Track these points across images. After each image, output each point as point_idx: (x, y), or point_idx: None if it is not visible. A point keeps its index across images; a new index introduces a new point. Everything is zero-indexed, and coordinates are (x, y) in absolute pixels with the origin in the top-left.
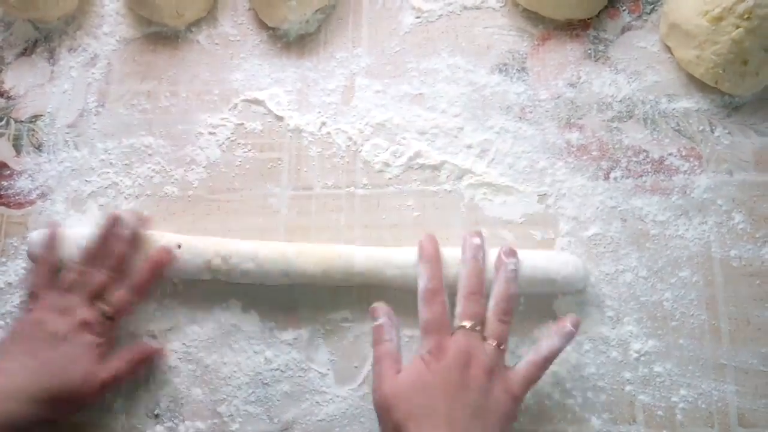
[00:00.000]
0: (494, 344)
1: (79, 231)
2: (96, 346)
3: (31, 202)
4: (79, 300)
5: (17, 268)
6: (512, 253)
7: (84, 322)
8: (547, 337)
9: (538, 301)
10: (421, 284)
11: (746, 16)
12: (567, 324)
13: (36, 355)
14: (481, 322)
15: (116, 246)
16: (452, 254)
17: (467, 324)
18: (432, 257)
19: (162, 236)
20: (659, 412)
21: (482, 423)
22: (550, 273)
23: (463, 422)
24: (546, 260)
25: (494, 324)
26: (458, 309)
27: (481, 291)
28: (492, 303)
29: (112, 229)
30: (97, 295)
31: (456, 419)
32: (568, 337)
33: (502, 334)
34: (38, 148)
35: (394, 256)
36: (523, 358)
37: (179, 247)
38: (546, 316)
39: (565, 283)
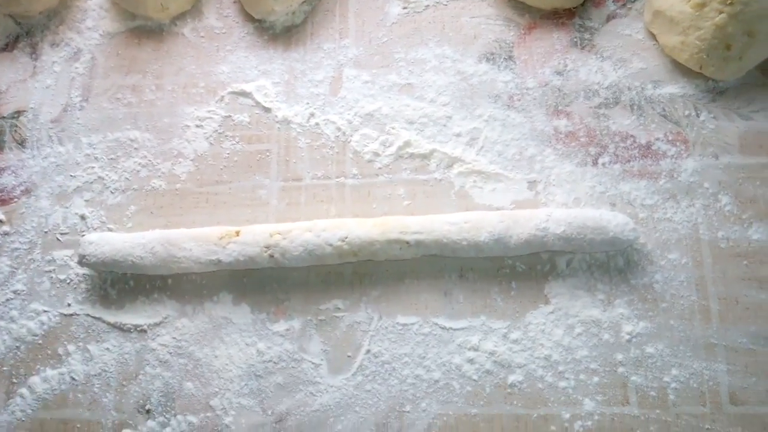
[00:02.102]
0: None
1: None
2: None
3: (16, 199)
4: None
5: (2, 265)
6: None
7: None
8: None
9: (530, 285)
10: None
11: (729, 1)
12: None
13: None
14: None
15: None
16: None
17: None
18: None
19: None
20: (652, 393)
21: None
22: (602, 221)
23: None
24: (597, 213)
25: None
26: None
27: None
28: None
29: None
30: None
31: None
32: None
33: None
34: (21, 143)
35: (443, 217)
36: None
37: (237, 234)
38: (538, 301)
39: (617, 231)
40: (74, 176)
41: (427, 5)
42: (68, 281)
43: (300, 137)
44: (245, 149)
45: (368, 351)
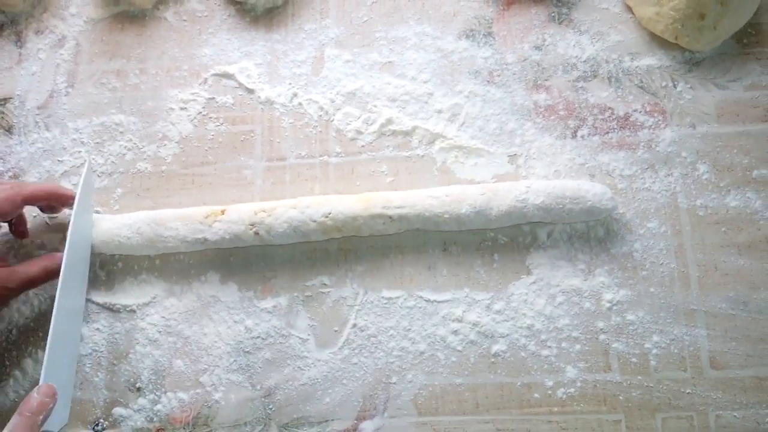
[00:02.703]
0: None
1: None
2: None
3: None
4: None
5: None
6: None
7: None
8: None
9: (512, 257)
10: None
11: None
12: None
13: None
14: None
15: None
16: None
17: None
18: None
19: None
20: (633, 359)
21: None
22: (581, 191)
23: None
24: (576, 183)
25: None
26: None
27: None
28: None
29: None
30: None
31: None
32: None
33: None
34: (8, 130)
35: (425, 192)
36: None
37: (222, 213)
38: (520, 272)
39: (595, 201)
40: (61, 161)
41: None
42: None
43: (283, 117)
44: (229, 130)
45: (354, 325)
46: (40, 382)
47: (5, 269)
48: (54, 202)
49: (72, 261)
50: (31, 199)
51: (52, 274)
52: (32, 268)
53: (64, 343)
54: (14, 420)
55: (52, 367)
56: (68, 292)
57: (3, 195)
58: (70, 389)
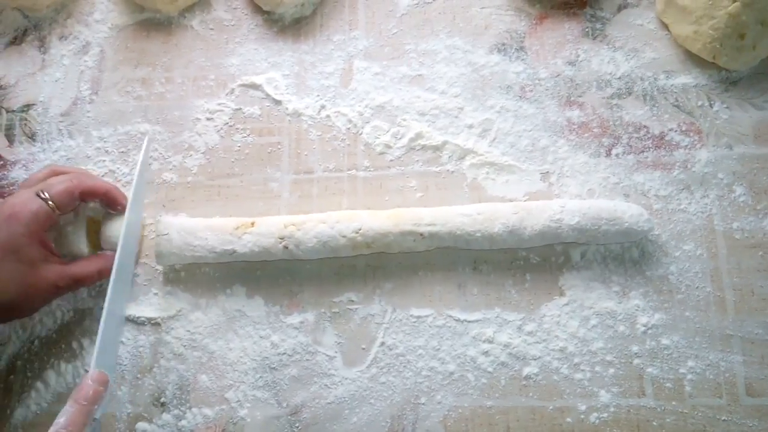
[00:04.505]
0: None
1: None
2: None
3: None
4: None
5: None
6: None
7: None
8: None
9: (544, 277)
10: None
11: None
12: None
13: None
14: None
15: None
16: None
17: None
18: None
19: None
20: (668, 384)
21: None
22: (617, 212)
23: None
24: (611, 204)
25: None
26: None
27: None
28: None
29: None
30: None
31: None
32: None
33: None
34: (31, 137)
35: (457, 209)
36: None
37: (253, 225)
38: (553, 293)
39: (632, 222)
40: (85, 169)
41: None
42: None
43: (311, 129)
44: (256, 142)
45: (382, 343)
46: (90, 370)
47: (58, 267)
48: (107, 201)
49: (124, 259)
50: (88, 195)
51: (104, 276)
52: (86, 268)
53: (112, 336)
54: (69, 408)
55: (102, 357)
56: (118, 288)
57: (63, 187)
58: (113, 382)
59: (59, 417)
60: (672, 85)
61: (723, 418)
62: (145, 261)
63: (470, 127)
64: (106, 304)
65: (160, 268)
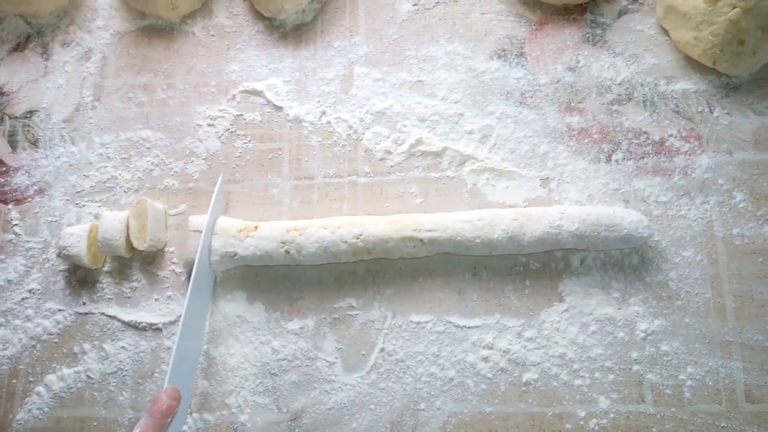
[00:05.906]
0: None
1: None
2: None
3: (29, 198)
4: None
5: (17, 264)
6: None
7: None
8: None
9: (544, 283)
10: None
11: None
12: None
13: None
14: None
15: None
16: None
17: None
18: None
19: (237, 222)
20: (667, 391)
21: None
22: (616, 218)
23: None
24: (611, 210)
25: None
26: None
27: None
28: None
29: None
30: None
31: None
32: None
33: None
34: (34, 143)
35: (457, 215)
36: None
37: (256, 228)
38: (552, 299)
39: (631, 229)
40: (87, 176)
41: (438, 2)
42: (83, 280)
43: (312, 135)
44: (257, 148)
45: (382, 349)
46: (165, 386)
47: None
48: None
49: (200, 272)
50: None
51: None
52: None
53: (187, 352)
54: (145, 420)
55: (176, 373)
56: (195, 301)
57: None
58: (188, 399)
59: (135, 429)
60: (672, 91)
61: (722, 424)
62: (147, 267)
63: (470, 133)
64: (181, 321)
65: (161, 273)
